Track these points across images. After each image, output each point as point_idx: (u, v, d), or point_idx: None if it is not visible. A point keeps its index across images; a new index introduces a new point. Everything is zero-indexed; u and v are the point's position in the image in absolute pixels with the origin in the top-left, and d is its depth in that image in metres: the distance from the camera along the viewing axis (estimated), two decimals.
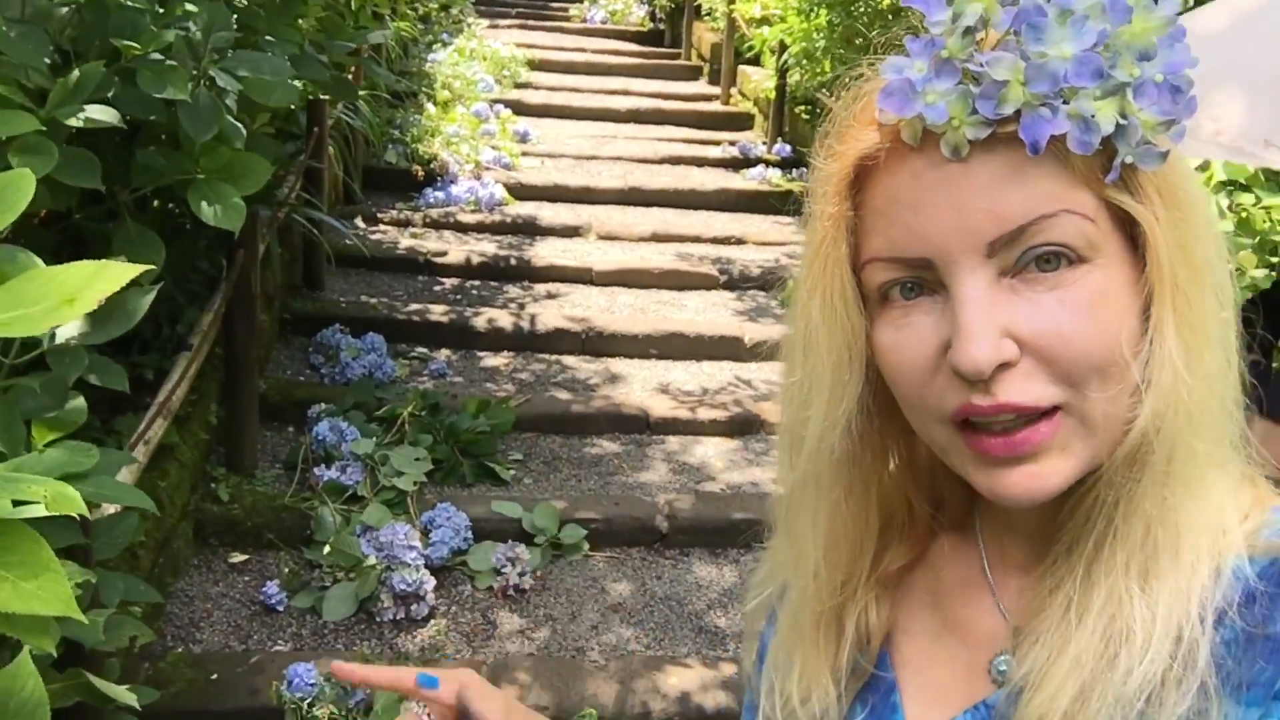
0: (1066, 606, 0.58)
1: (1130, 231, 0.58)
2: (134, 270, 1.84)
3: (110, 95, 2.37)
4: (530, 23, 11.06)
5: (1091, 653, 0.56)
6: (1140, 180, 0.56)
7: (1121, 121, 0.54)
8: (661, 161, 7.44)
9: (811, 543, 0.67)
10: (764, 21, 8.31)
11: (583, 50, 10.15)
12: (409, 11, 8.51)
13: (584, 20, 11.47)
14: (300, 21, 3.67)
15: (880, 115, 0.58)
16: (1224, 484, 0.58)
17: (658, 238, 6.17)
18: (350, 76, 5.15)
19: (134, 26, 2.48)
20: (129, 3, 2.48)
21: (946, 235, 0.56)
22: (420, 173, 6.48)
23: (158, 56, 2.50)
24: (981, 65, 0.55)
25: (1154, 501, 0.57)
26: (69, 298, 1.11)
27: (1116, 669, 0.55)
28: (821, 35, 7.10)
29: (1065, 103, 0.54)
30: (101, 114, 2.29)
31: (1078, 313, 0.56)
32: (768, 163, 7.36)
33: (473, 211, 6.23)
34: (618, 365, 4.75)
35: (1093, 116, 0.54)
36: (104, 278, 1.73)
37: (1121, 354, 0.56)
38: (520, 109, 8.08)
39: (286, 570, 3.19)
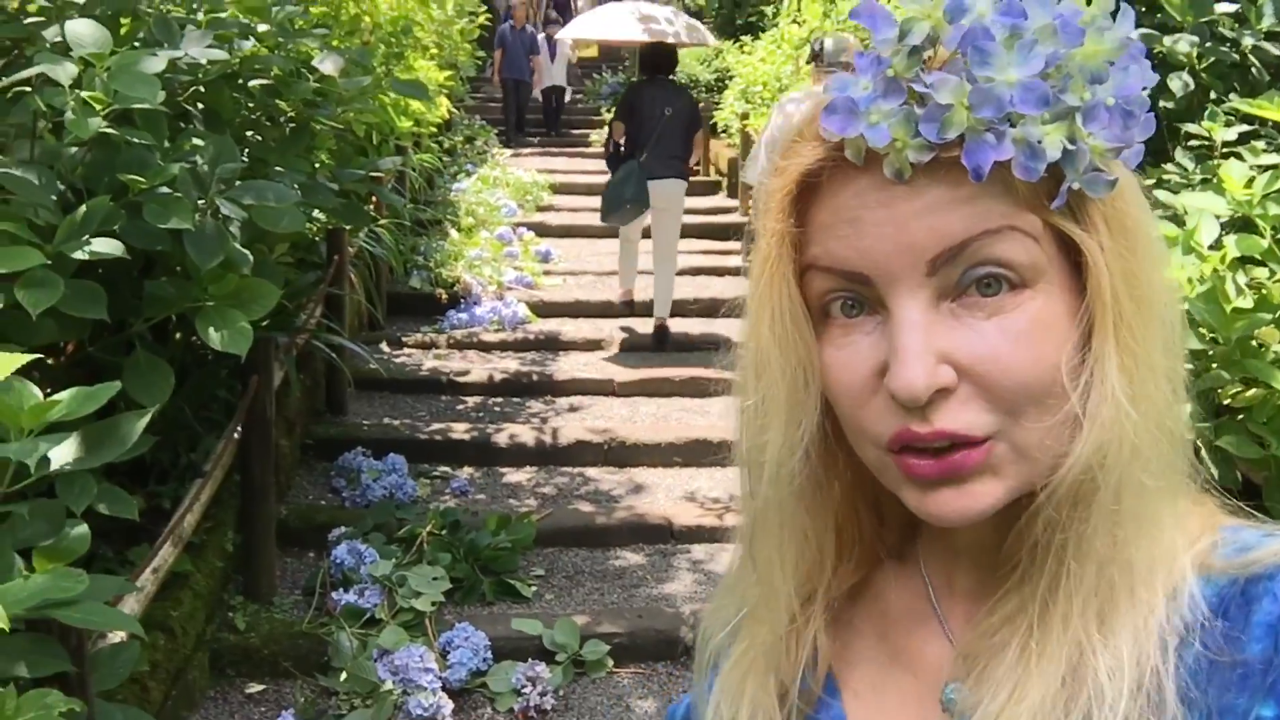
0: (1023, 648, 0.56)
1: (1074, 259, 0.56)
2: (110, 390, 1.85)
3: (117, 228, 2.43)
4: (552, 149, 11.39)
5: (1051, 699, 0.54)
6: (1087, 207, 0.55)
7: (1069, 147, 0.53)
8: (682, 273, 7.48)
9: (779, 572, 0.64)
10: None
11: (604, 173, 10.37)
12: (433, 145, 8.80)
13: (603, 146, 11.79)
14: (315, 153, 3.79)
15: (824, 132, 0.56)
16: (1173, 515, 0.57)
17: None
18: (371, 206, 5.29)
19: (142, 162, 2.57)
20: (137, 140, 2.57)
21: (888, 253, 0.55)
22: (444, 296, 6.59)
23: (165, 190, 2.57)
24: (927, 87, 0.53)
25: (1105, 542, 0.55)
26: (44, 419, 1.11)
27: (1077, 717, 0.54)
28: None
29: (1012, 126, 0.53)
30: (106, 246, 2.35)
31: (1017, 340, 0.54)
32: None
33: (496, 330, 6.30)
34: (641, 475, 4.70)
35: (1039, 142, 0.52)
36: (83, 400, 1.73)
37: (1060, 383, 0.54)
38: (543, 231, 8.24)
39: (303, 699, 3.12)
